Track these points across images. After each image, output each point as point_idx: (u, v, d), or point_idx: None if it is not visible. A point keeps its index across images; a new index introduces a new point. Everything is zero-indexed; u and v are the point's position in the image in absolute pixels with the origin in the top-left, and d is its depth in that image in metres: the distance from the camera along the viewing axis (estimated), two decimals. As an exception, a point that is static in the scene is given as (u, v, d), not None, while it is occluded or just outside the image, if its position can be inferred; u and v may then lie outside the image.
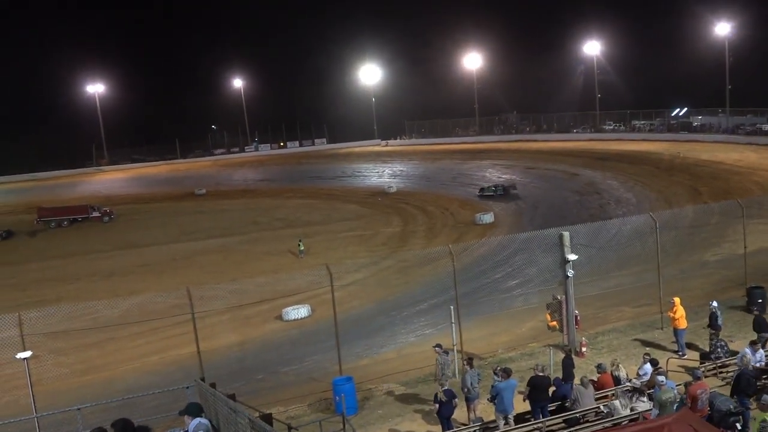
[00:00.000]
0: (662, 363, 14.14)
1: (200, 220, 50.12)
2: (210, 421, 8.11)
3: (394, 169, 63.88)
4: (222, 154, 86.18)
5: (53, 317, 20.51)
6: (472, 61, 79.57)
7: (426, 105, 79.60)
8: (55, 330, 18.39)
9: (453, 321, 16.93)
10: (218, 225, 47.42)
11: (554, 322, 16.92)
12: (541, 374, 12.84)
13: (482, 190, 49.00)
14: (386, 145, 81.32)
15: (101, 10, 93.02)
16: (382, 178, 62.13)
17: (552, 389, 13.02)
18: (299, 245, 36.50)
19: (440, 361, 15.08)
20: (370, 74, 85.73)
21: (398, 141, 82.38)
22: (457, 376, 15.76)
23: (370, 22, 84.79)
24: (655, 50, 69.24)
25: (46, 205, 56.06)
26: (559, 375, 14.11)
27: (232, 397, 9.48)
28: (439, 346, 15.36)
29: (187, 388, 12.13)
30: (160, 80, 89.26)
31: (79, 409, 12.19)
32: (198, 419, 7.63)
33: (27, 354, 14.43)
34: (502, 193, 47.71)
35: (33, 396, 14.25)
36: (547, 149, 63.33)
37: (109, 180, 74.90)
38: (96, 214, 54.19)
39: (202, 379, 12.84)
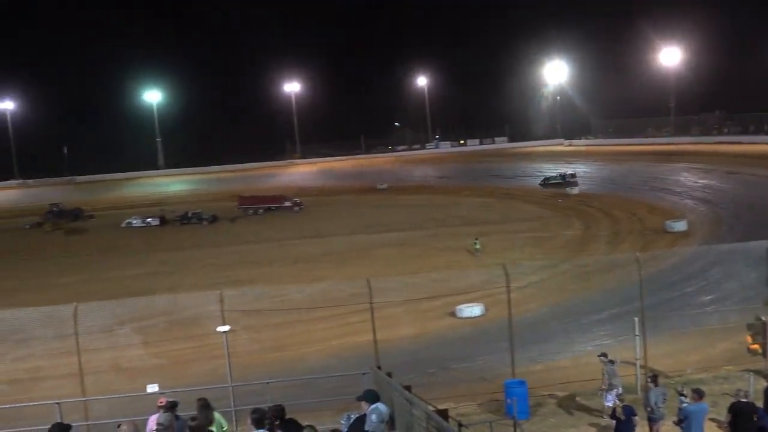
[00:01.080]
0: None
1: (381, 214, 51.97)
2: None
3: (578, 169, 61.38)
4: (403, 150, 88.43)
5: (248, 296, 22.44)
6: (670, 56, 73.77)
7: (614, 104, 75.19)
8: (250, 309, 20.05)
9: (637, 333, 15.88)
10: (397, 219, 48.85)
11: (756, 345, 15.25)
12: (744, 400, 11.55)
13: (546, 179, 47.37)
14: (569, 145, 78.31)
15: (302, 13, 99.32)
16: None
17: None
18: (475, 243, 36.45)
19: (606, 371, 14.30)
20: (555, 72, 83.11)
21: (582, 141, 78.90)
22: (639, 392, 14.81)
23: (556, 18, 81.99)
24: None
25: (246, 194, 61.53)
26: (760, 404, 12.66)
27: (408, 388, 9.71)
28: (604, 355, 14.56)
29: (364, 374, 12.64)
30: (350, 77, 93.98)
31: (268, 383, 13.22)
32: (377, 403, 7.91)
33: (226, 328, 15.83)
34: (562, 181, 47.68)
35: (230, 366, 15.64)
36: (753, 153, 56.90)
37: (300, 173, 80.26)
38: (288, 204, 58.44)
39: (378, 368, 13.31)
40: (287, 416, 8.42)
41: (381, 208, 55.35)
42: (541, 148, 78.11)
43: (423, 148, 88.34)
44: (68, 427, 6.90)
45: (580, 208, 47.30)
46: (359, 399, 8.36)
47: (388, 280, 26.48)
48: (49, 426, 7.29)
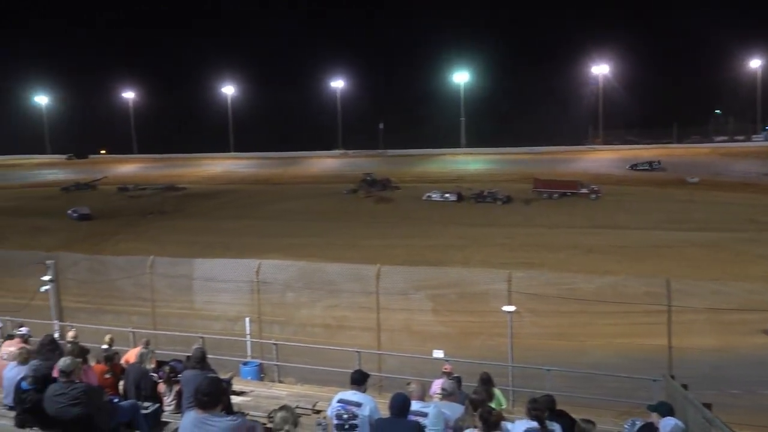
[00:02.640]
0: None
1: (689, 210, 47.28)
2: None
3: None
4: (723, 141, 78.90)
5: (535, 280, 22.32)
6: None
7: None
8: (535, 293, 19.95)
9: None
10: (709, 218, 43.95)
11: None
12: None
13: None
14: None
15: None
16: None
17: None
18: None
19: None
20: None
21: None
22: None
23: None
24: None
25: (542, 177, 61.04)
26: None
27: (708, 406, 8.74)
28: None
29: (654, 380, 11.75)
30: (663, 59, 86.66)
31: (549, 370, 13.06)
32: (674, 420, 7.29)
33: (511, 308, 16.02)
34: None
35: (511, 346, 15.82)
36: None
37: (600, 159, 76.74)
38: (584, 190, 56.50)
39: (672, 377, 12.23)
40: (558, 407, 8.22)
41: (689, 203, 50.26)
42: None
43: (748, 140, 77.69)
44: (367, 375, 7.63)
45: None
46: (651, 409, 7.77)
47: (689, 283, 24.02)
48: (351, 370, 8.18)
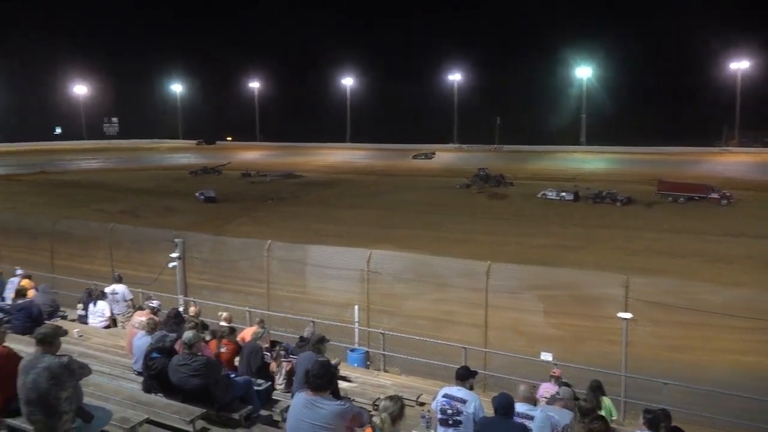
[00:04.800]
0: None
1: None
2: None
3: None
4: None
5: (655, 288, 21.15)
6: None
7: None
8: (656, 301, 18.93)
9: None
10: None
11: None
12: None
13: None
14: None
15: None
16: None
17: None
18: None
19: None
20: None
21: None
22: None
23: None
24: None
25: (667, 179, 57.77)
26: None
27: None
28: None
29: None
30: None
31: (666, 383, 12.39)
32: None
33: (628, 315, 15.34)
34: None
35: (625, 355, 15.14)
36: None
37: (733, 162, 71.65)
38: (714, 195, 52.94)
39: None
40: (673, 424, 7.78)
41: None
42: None
43: None
44: (473, 372, 7.59)
45: None
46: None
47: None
48: (456, 365, 8.16)
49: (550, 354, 14.79)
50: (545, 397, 9.07)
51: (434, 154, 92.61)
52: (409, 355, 16.72)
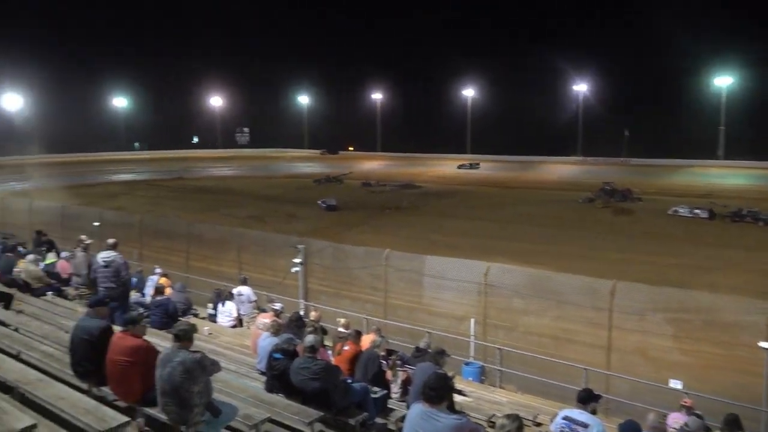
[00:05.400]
0: None
1: None
2: None
3: None
4: None
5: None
6: None
7: None
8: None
9: None
10: None
11: None
12: None
13: None
14: None
15: None
16: None
17: None
18: None
19: None
20: None
21: None
22: None
23: None
24: None
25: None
26: None
27: None
28: None
29: None
30: None
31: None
32: None
33: (769, 345, 14.14)
34: None
35: (767, 388, 13.94)
36: None
37: None
38: None
39: None
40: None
41: None
42: None
43: None
44: (595, 396, 7.27)
45: None
46: None
47: None
48: (575, 386, 7.86)
49: (679, 382, 13.90)
50: (674, 428, 8.53)
51: (479, 164, 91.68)
52: (526, 372, 16.31)
